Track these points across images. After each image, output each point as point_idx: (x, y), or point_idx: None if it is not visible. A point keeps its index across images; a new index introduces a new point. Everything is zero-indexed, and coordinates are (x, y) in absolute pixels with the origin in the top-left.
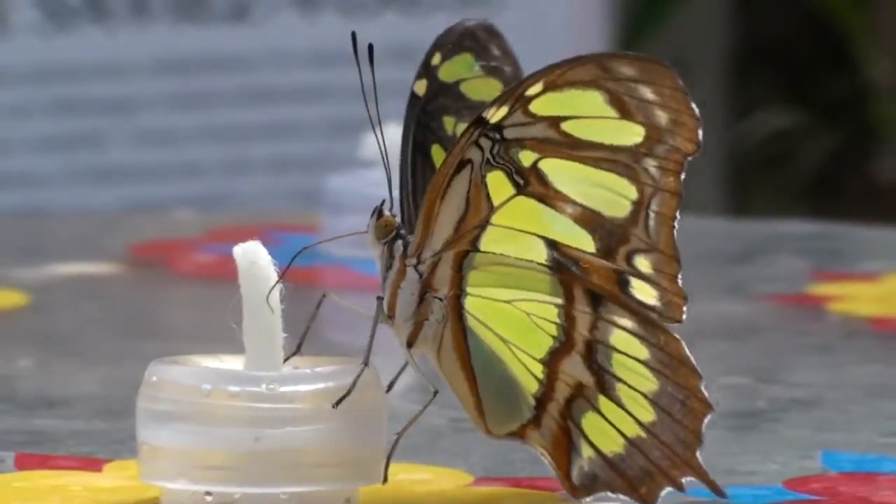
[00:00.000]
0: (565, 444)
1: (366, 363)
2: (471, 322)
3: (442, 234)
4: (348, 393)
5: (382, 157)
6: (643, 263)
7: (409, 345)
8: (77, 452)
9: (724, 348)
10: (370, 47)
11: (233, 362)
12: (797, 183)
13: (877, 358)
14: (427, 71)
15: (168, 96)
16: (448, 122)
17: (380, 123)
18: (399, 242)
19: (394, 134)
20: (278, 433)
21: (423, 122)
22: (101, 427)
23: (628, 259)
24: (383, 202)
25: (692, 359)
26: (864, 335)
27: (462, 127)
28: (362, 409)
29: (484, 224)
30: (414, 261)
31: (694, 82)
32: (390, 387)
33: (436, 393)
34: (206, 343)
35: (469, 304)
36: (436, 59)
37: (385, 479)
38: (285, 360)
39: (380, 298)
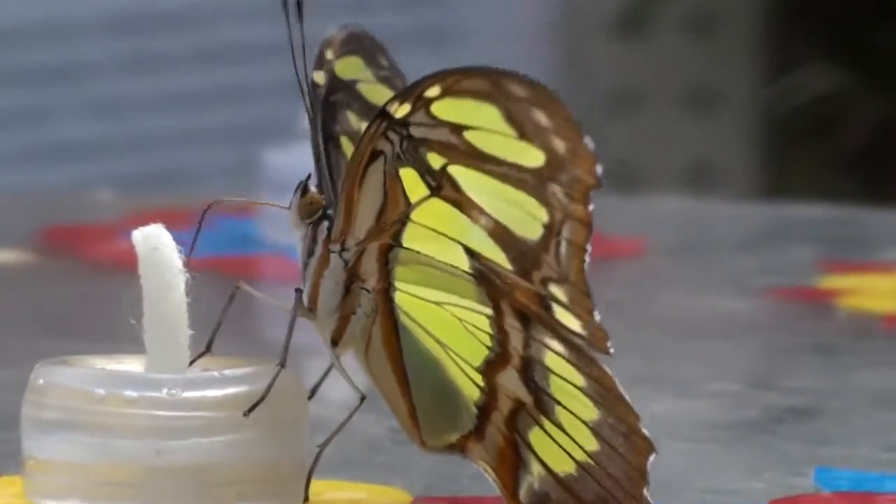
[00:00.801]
0: (512, 459)
1: (282, 365)
2: (403, 318)
3: (364, 223)
4: (262, 399)
5: (309, 118)
6: (558, 293)
7: (334, 342)
8: None
9: (716, 350)
10: (299, 3)
11: (133, 363)
12: (843, 153)
13: (887, 361)
14: (322, 64)
15: (114, 61)
16: (351, 117)
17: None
18: (325, 224)
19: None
20: (182, 445)
21: (328, 111)
22: None
23: (544, 285)
24: (309, 177)
25: (627, 396)
26: (875, 335)
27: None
28: (279, 418)
29: (404, 220)
30: (338, 247)
31: (723, 37)
32: (313, 392)
33: (363, 399)
34: (121, 343)
35: (399, 299)
36: (328, 54)
37: (306, 499)
38: (192, 361)
39: (298, 290)
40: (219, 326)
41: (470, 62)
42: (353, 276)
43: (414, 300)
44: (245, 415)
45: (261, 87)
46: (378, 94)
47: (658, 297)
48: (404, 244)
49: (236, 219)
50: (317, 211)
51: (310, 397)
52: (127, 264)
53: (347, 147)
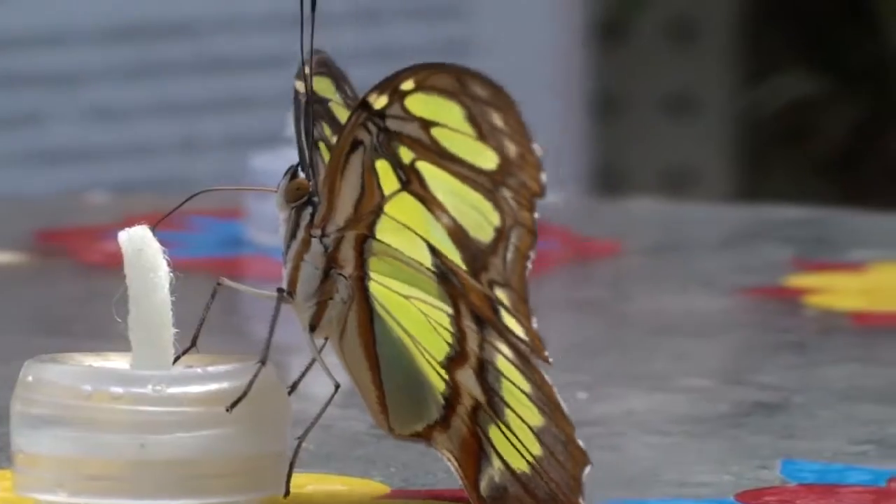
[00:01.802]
0: (475, 449)
1: (263, 361)
2: (377, 307)
3: (344, 211)
4: (244, 395)
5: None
6: (503, 297)
7: (312, 328)
8: None
9: (688, 347)
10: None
11: (119, 361)
12: (819, 158)
13: (854, 357)
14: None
15: (112, 68)
16: (325, 128)
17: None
18: (308, 210)
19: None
20: (166, 439)
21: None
22: None
23: (490, 288)
24: (299, 163)
25: (564, 407)
26: (844, 332)
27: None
28: (260, 413)
29: (377, 211)
30: (319, 232)
31: (702, 44)
32: (293, 387)
33: (337, 387)
34: (113, 341)
35: (373, 288)
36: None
37: (287, 491)
38: (178, 357)
39: (280, 290)
40: (202, 322)
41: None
42: (331, 262)
43: (386, 291)
44: (228, 410)
45: (256, 96)
46: (345, 116)
47: (634, 297)
48: (377, 236)
49: (222, 220)
50: (303, 196)
51: (290, 392)
52: (118, 265)
53: (325, 152)
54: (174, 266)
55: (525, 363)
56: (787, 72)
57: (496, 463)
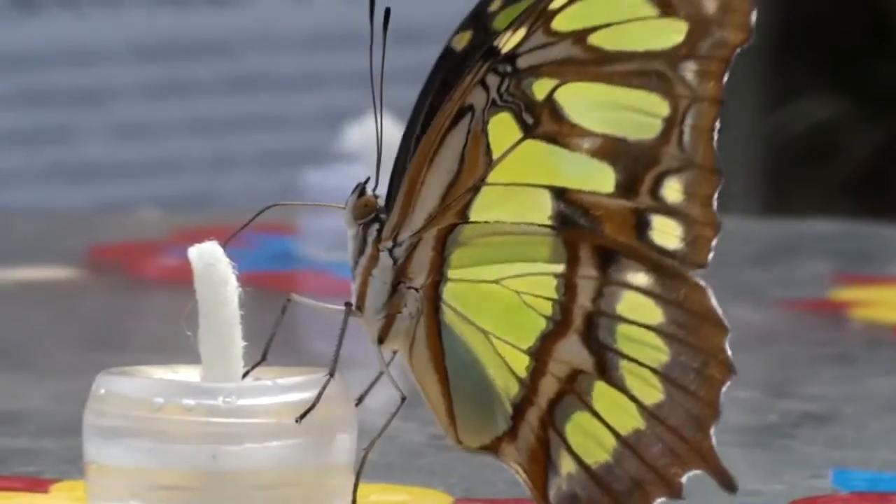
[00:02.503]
0: (543, 459)
1: (331, 374)
2: (447, 316)
3: (425, 208)
4: (312, 406)
5: (377, 137)
6: (673, 188)
7: (381, 340)
8: (22, 472)
9: (735, 359)
10: (387, 11)
11: (189, 373)
12: (842, 179)
13: None
14: (476, 21)
15: (145, 86)
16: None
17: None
18: (375, 226)
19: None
20: (237, 450)
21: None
22: (49, 445)
23: (655, 186)
24: (367, 180)
25: (718, 310)
26: (888, 344)
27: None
28: (328, 425)
29: (478, 185)
30: (389, 244)
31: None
32: (360, 399)
33: (404, 399)
34: (170, 354)
35: (448, 292)
36: (495, 3)
37: (354, 501)
38: (248, 370)
39: (348, 304)
40: (273, 337)
41: None
42: (400, 276)
43: (466, 288)
44: (297, 421)
45: (287, 115)
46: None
47: None
48: (472, 216)
49: (277, 236)
50: (370, 213)
51: (357, 404)
52: (172, 280)
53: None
54: (242, 281)
55: (665, 283)
56: (811, 94)
57: (566, 468)
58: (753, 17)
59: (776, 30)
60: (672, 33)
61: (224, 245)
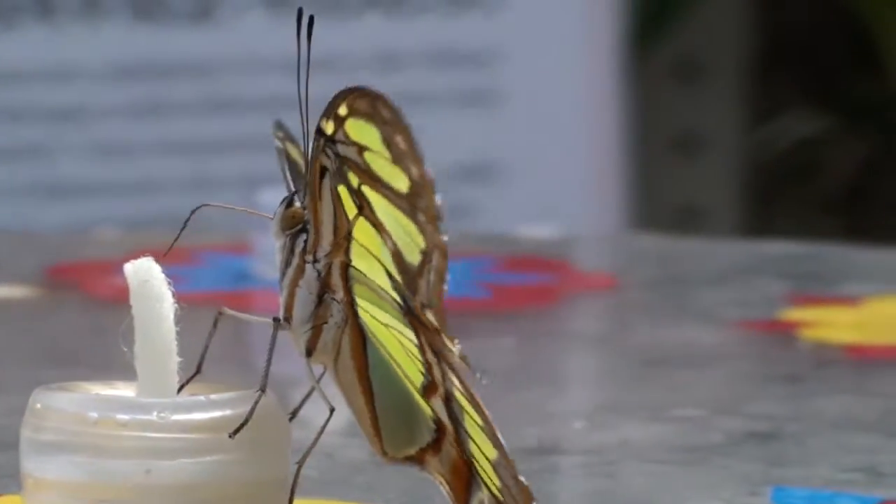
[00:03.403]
0: (465, 473)
1: (263, 389)
2: (367, 330)
3: (327, 238)
4: (246, 421)
5: (304, 149)
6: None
7: (308, 353)
8: None
9: (683, 378)
10: (311, 19)
11: (125, 389)
12: (825, 195)
13: (847, 388)
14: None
15: (123, 104)
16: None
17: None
18: (303, 237)
19: None
20: (171, 465)
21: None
22: None
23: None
24: (295, 192)
25: (503, 440)
26: (837, 364)
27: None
28: (262, 440)
29: (349, 237)
30: (311, 258)
31: (710, 84)
32: (294, 414)
33: (332, 411)
34: (118, 371)
35: (361, 314)
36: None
37: None
38: (183, 384)
39: (276, 320)
40: (206, 349)
41: (511, 125)
42: (325, 287)
43: (370, 317)
44: (230, 436)
45: (263, 137)
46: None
47: (631, 329)
48: (353, 262)
49: (230, 255)
50: (298, 223)
51: (290, 419)
52: (128, 299)
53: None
54: (179, 298)
55: (471, 395)
56: (793, 111)
57: (485, 489)
58: (438, 199)
59: (759, 47)
60: (401, 181)
61: (162, 257)
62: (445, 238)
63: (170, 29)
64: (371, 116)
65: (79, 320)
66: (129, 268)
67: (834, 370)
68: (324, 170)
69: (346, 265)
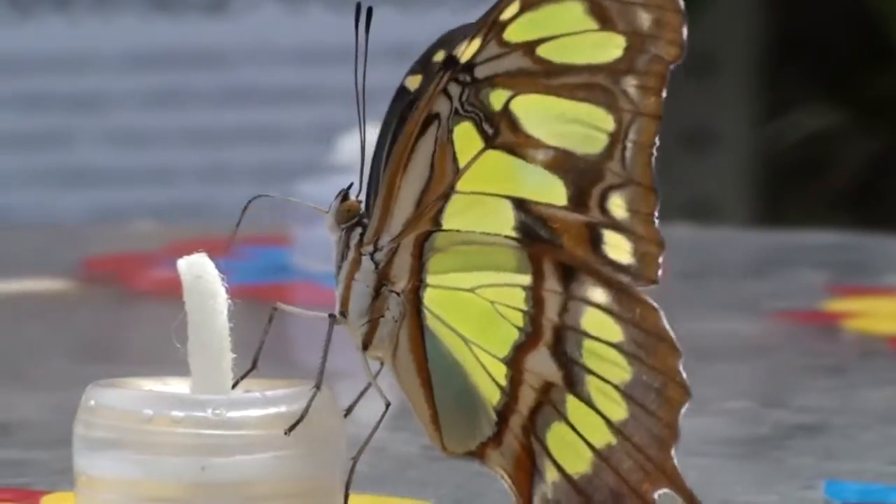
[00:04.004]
0: (528, 466)
1: (318, 386)
2: (429, 321)
3: (402, 214)
4: (301, 418)
5: (360, 142)
6: (617, 203)
7: (365, 346)
8: (13, 484)
9: (728, 370)
10: (369, 11)
11: (178, 385)
12: (836, 190)
13: (892, 380)
14: (425, 67)
15: (138, 93)
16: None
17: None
18: (358, 230)
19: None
20: (226, 462)
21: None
22: (39, 456)
23: (602, 201)
24: (350, 186)
25: (671, 332)
26: (881, 355)
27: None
28: (317, 436)
29: (448, 192)
30: (370, 248)
31: (723, 79)
32: (349, 411)
33: (388, 405)
34: (162, 366)
35: (428, 297)
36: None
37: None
38: (238, 379)
39: (332, 316)
40: (262, 345)
41: None
42: (383, 280)
43: (444, 294)
44: (286, 433)
45: (282, 127)
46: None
47: (674, 321)
48: (444, 224)
49: (270, 248)
50: (353, 217)
51: (346, 416)
52: (167, 292)
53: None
54: (232, 293)
55: (621, 301)
56: (805, 106)
57: (550, 476)
58: (684, 33)
59: (771, 42)
60: (612, 47)
61: (222, 254)
62: (663, 96)
63: (185, 19)
64: None
65: (118, 314)
66: (183, 264)
67: (879, 361)
68: (428, 121)
69: (425, 237)
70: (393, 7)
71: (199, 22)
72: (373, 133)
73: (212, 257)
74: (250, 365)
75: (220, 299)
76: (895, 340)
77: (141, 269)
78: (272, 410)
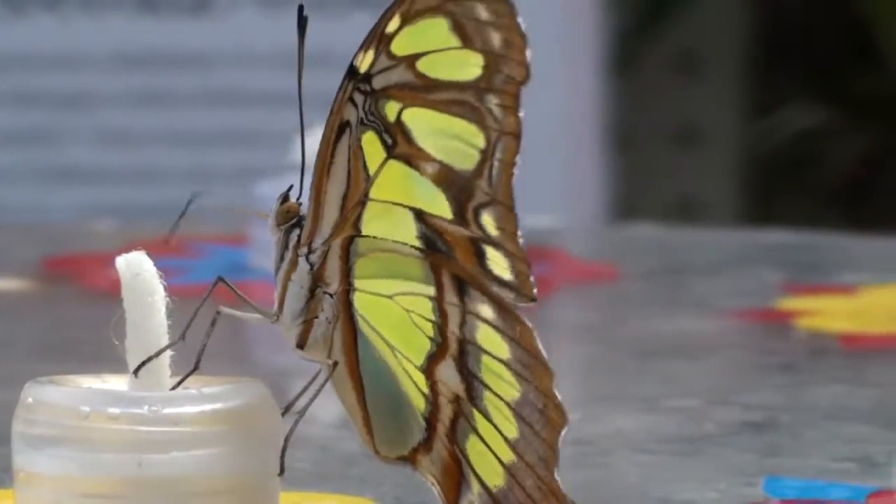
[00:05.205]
0: (456, 474)
1: (196, 367)
2: (361, 324)
3: (330, 217)
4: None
5: (301, 141)
6: (488, 221)
7: (300, 346)
8: None
9: (677, 368)
10: (304, 15)
11: (117, 382)
12: (823, 188)
13: (842, 378)
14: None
15: (125, 93)
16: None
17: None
18: (296, 231)
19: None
20: (163, 458)
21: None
22: None
23: (476, 218)
24: (290, 188)
25: (544, 353)
26: (832, 353)
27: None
28: (254, 433)
29: (363, 199)
30: (305, 250)
31: (710, 77)
32: (286, 409)
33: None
34: (113, 364)
35: (357, 301)
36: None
37: (282, 471)
38: (179, 381)
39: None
40: (204, 347)
41: None
42: (317, 281)
43: (370, 299)
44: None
45: (263, 129)
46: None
47: (628, 320)
48: (363, 229)
49: (227, 247)
50: (292, 218)
51: (283, 414)
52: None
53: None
54: (172, 291)
55: (505, 319)
56: (793, 103)
57: (475, 487)
58: (529, 55)
59: (759, 39)
60: (473, 66)
61: (164, 251)
62: (521, 116)
63: (170, 20)
64: (437, 8)
65: (76, 313)
66: (121, 261)
67: (829, 360)
68: (342, 128)
69: (349, 241)
70: (370, 10)
71: (184, 23)
72: (318, 133)
73: (166, 256)
74: (192, 366)
75: (158, 297)
76: (846, 338)
77: (98, 268)
78: (208, 407)
